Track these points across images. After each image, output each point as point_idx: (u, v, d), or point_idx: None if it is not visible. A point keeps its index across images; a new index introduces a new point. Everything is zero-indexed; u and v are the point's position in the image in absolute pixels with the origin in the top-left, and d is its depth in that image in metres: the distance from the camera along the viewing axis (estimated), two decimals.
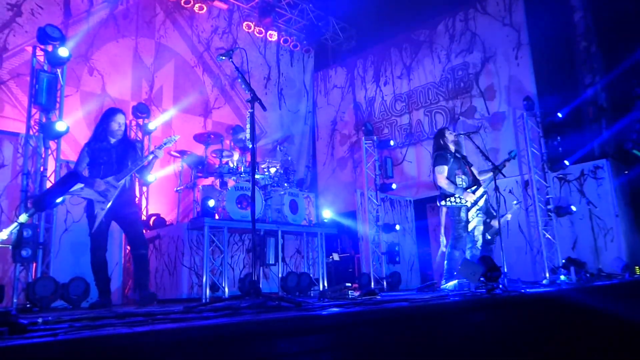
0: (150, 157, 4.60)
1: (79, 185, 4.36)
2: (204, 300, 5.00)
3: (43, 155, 5.21)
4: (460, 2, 9.58)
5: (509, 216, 6.78)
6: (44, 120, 5.22)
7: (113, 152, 4.60)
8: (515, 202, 7.19)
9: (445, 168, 5.25)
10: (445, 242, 5.40)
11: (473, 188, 5.26)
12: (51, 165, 5.27)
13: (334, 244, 9.82)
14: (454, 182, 5.23)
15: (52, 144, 5.31)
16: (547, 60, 8.39)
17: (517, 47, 8.66)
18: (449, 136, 5.45)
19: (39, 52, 5.28)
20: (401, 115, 10.41)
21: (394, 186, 8.47)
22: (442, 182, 5.24)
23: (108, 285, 4.63)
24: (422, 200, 9.45)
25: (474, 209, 5.24)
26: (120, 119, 4.66)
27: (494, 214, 6.57)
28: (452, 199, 5.17)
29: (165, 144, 4.64)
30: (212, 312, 2.39)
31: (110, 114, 4.69)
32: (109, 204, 4.41)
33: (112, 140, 4.63)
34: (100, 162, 4.56)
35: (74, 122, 7.04)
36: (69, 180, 1.85)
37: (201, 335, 1.54)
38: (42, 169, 5.16)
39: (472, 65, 9.31)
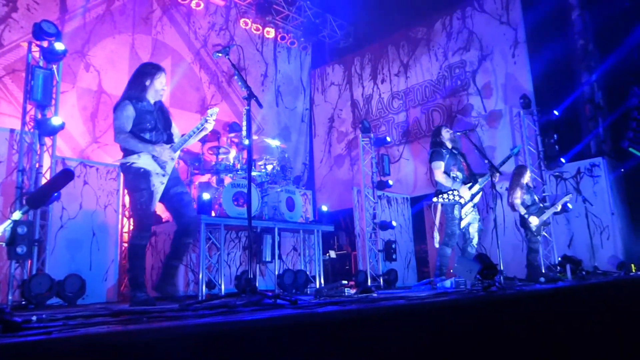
0: (203, 126, 3.85)
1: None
2: (200, 298, 4.99)
3: (38, 152, 5.18)
4: (458, 0, 9.58)
5: (558, 207, 6.68)
6: (39, 116, 5.19)
7: (158, 117, 3.87)
8: (569, 194, 7.05)
9: (442, 164, 5.30)
10: (438, 238, 5.43)
11: (468, 185, 5.28)
12: (46, 161, 5.25)
13: (331, 241, 9.83)
14: (450, 177, 5.27)
15: (47, 141, 5.29)
16: (544, 58, 8.40)
17: (514, 45, 8.67)
18: (446, 134, 5.49)
19: (34, 48, 5.25)
20: (398, 112, 10.41)
21: (390, 182, 8.47)
22: (440, 177, 5.29)
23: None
24: (418, 197, 9.46)
25: (468, 206, 5.26)
26: (164, 78, 3.94)
27: (542, 207, 6.56)
28: (446, 195, 5.20)
29: (210, 115, 3.87)
30: (208, 310, 2.38)
31: (155, 71, 3.89)
32: (167, 178, 3.73)
33: (152, 102, 3.89)
34: (147, 127, 3.76)
35: (70, 119, 7.02)
36: (63, 177, 1.84)
37: (196, 334, 1.53)
38: (37, 165, 5.14)
39: (469, 63, 9.31)
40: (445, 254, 5.26)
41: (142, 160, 3.64)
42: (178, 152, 3.85)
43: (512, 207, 6.46)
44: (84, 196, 5.69)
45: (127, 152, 3.70)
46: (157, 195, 3.68)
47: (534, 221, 6.31)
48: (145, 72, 3.85)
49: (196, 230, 3.89)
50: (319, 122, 11.78)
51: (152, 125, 3.76)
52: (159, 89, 3.87)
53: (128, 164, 3.66)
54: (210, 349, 1.49)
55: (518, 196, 6.37)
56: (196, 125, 3.85)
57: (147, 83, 3.80)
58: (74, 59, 7.62)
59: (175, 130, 4.00)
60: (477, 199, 5.34)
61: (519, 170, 6.49)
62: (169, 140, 3.87)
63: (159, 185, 3.67)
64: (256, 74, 10.55)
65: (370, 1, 10.01)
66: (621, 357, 3.31)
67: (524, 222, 6.44)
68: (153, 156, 3.66)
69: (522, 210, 6.37)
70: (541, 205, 6.62)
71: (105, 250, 5.76)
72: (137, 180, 3.66)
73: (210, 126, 3.83)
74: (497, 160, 7.01)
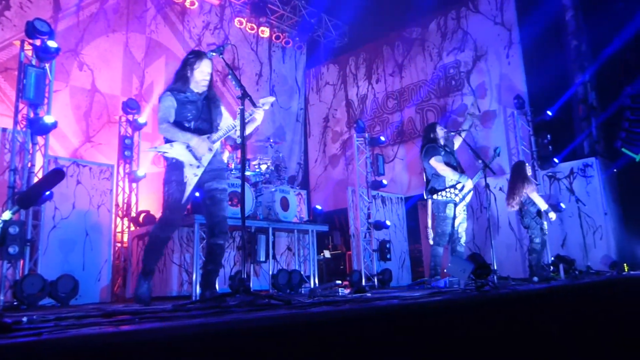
0: (252, 116, 3.66)
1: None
2: (193, 298, 4.98)
3: (31, 151, 5.15)
4: (453, 1, 9.60)
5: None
6: (31, 115, 5.16)
7: (201, 107, 3.68)
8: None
9: (441, 158, 5.26)
10: (432, 235, 5.42)
11: (460, 186, 5.28)
12: (39, 161, 5.22)
13: (326, 241, 9.82)
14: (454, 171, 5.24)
15: (40, 140, 5.25)
16: (537, 59, 8.43)
17: (509, 46, 8.70)
18: (440, 131, 5.47)
19: (27, 47, 5.21)
20: (393, 112, 10.42)
21: (385, 182, 8.48)
22: (445, 169, 5.21)
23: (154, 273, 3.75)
24: (413, 197, 9.48)
25: (461, 205, 5.25)
26: (206, 67, 3.67)
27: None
28: (444, 192, 5.18)
29: (262, 105, 3.71)
30: (201, 311, 2.37)
31: (194, 60, 3.68)
32: (202, 170, 3.54)
33: (197, 92, 3.70)
34: (188, 117, 3.59)
35: (63, 118, 6.98)
36: (53, 177, 1.83)
37: (188, 334, 1.53)
38: (29, 165, 5.10)
39: (463, 64, 9.33)
40: (438, 254, 5.26)
41: (175, 151, 3.49)
42: (217, 144, 3.64)
43: (522, 204, 6.23)
44: (77, 196, 5.66)
45: (165, 141, 3.60)
46: (189, 187, 3.48)
47: (553, 216, 6.19)
48: (185, 63, 3.69)
49: (222, 232, 3.60)
50: (314, 121, 11.77)
51: (194, 115, 3.60)
52: (199, 79, 3.66)
53: (162, 154, 3.57)
54: (203, 350, 1.48)
55: (532, 189, 6.23)
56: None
57: (188, 74, 3.65)
58: (67, 58, 7.58)
59: (229, 121, 3.78)
60: (468, 198, 5.35)
61: (520, 166, 6.36)
62: (215, 130, 3.67)
63: (191, 177, 3.48)
64: (251, 73, 10.53)
65: (365, 1, 10.01)
66: (614, 355, 3.33)
67: (534, 219, 6.22)
68: (188, 146, 3.48)
69: (544, 206, 6.12)
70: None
71: (98, 251, 5.73)
72: (169, 171, 3.55)
73: (260, 117, 3.66)
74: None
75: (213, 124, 3.70)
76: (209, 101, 3.74)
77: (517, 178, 6.28)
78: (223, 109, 3.86)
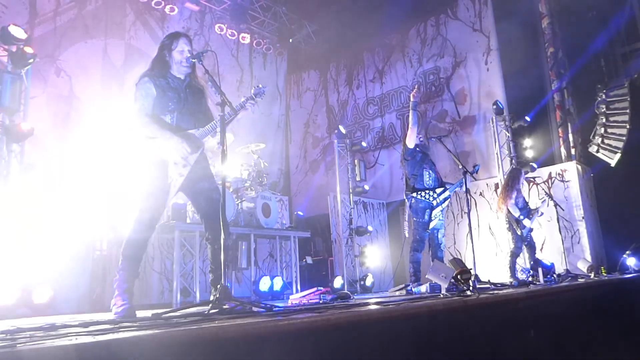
0: (244, 107, 3.40)
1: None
2: (174, 306, 4.93)
3: (6, 159, 5.06)
4: (432, 8, 9.71)
5: (539, 211, 6.72)
6: (7, 122, 5.07)
7: (183, 97, 3.31)
8: (542, 199, 7.05)
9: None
10: (407, 229, 5.48)
11: (439, 190, 5.35)
12: (15, 168, 5.12)
13: (307, 247, 9.80)
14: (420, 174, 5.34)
15: (15, 147, 5.16)
16: (515, 65, 8.56)
17: (487, 52, 8.82)
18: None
19: (2, 53, 5.14)
20: (373, 118, 10.48)
21: (366, 187, 8.51)
22: (411, 137, 5.31)
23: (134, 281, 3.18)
24: (394, 202, 9.52)
25: (437, 209, 5.32)
26: (184, 45, 3.37)
27: (531, 210, 6.62)
28: (423, 193, 5.25)
29: (255, 95, 3.48)
30: (181, 319, 2.34)
31: (170, 41, 3.39)
32: (189, 170, 3.18)
33: (178, 78, 3.37)
34: (169, 107, 3.24)
35: (40, 125, 6.85)
36: None
37: (169, 343, 1.51)
38: (5, 172, 5.01)
39: (443, 70, 9.44)
40: (417, 260, 5.30)
41: (158, 148, 3.13)
42: (206, 138, 3.27)
43: (507, 209, 6.41)
44: None
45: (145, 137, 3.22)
46: (173, 188, 3.13)
47: (527, 224, 6.35)
48: (162, 47, 3.39)
49: (227, 233, 3.11)
50: (295, 127, 11.78)
51: (175, 105, 3.23)
52: (179, 59, 3.32)
53: (142, 152, 3.19)
54: (183, 358, 1.47)
55: (513, 197, 6.37)
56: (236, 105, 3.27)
57: (167, 57, 3.34)
58: (45, 64, 7.46)
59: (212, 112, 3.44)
60: (445, 203, 5.42)
61: (516, 173, 6.53)
62: (199, 124, 3.31)
63: (176, 177, 3.13)
64: (232, 79, 10.50)
65: (345, 7, 10.06)
66: (593, 356, 3.38)
67: (512, 225, 6.42)
68: None
69: (517, 213, 6.35)
70: (530, 208, 6.70)
71: (77, 259, 5.64)
72: (150, 168, 3.16)
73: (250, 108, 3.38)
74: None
75: (197, 117, 3.34)
76: (192, 90, 3.40)
77: (512, 185, 6.45)
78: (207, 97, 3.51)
